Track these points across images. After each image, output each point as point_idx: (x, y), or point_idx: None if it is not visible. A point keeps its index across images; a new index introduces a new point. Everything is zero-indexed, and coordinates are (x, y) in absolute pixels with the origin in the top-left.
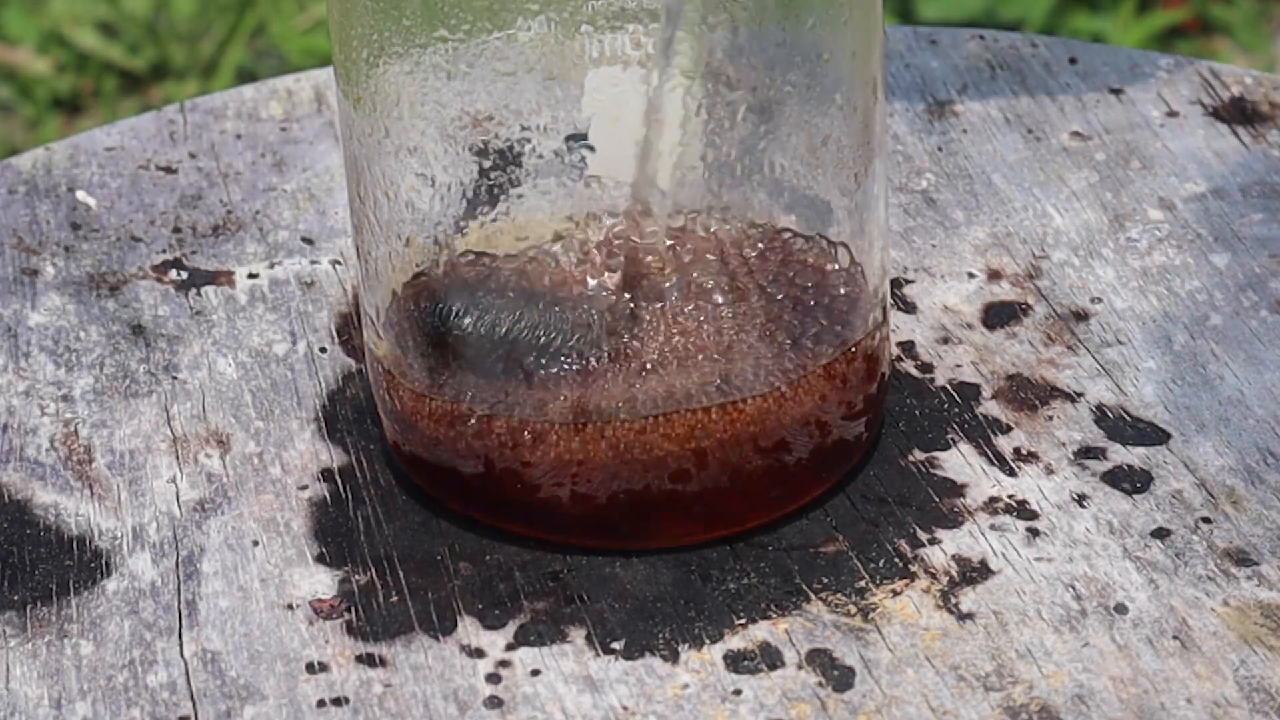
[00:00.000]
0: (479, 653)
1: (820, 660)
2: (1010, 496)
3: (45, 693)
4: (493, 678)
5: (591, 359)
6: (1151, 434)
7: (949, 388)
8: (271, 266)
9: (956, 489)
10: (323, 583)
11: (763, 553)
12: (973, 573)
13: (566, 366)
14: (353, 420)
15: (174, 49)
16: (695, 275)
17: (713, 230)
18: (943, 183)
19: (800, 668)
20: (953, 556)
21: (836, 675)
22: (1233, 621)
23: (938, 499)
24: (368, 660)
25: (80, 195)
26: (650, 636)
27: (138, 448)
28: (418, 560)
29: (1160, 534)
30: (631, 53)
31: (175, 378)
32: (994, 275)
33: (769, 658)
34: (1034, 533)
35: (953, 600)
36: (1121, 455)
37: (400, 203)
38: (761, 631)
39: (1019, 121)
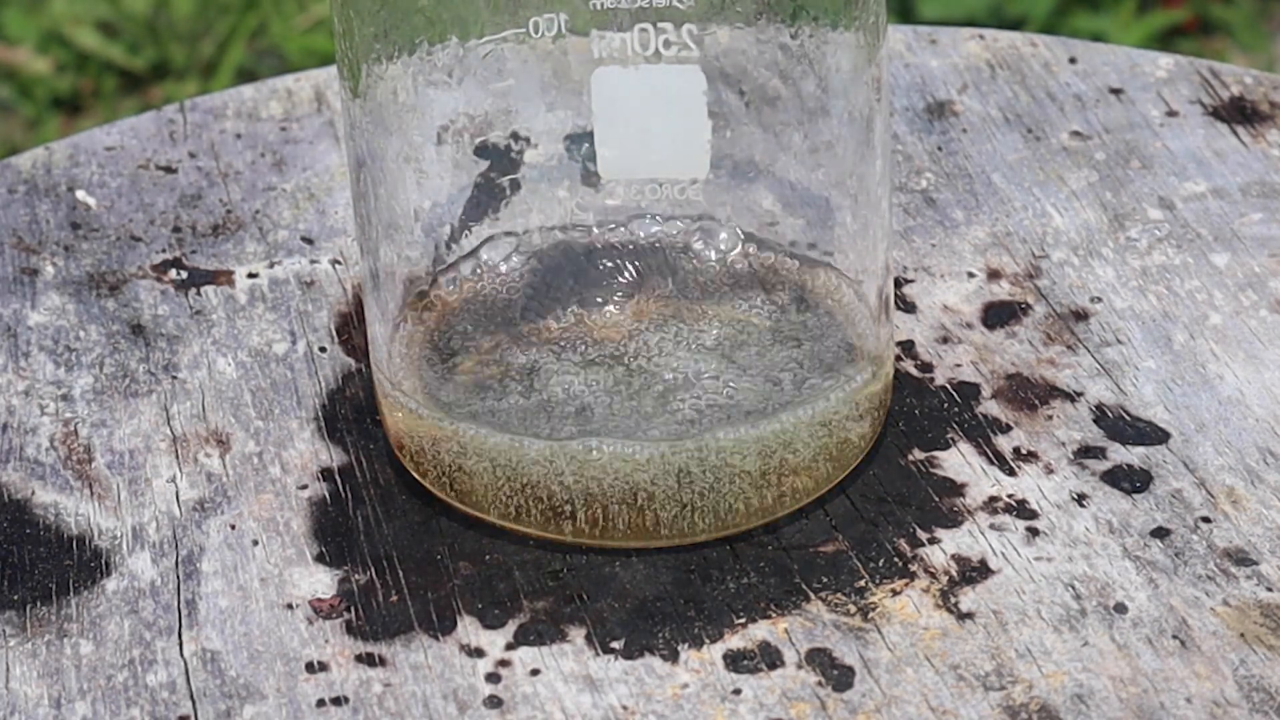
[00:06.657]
0: (479, 652)
1: (820, 660)
2: (1010, 496)
3: (45, 692)
4: (492, 677)
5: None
6: (1151, 434)
7: (949, 387)
8: (271, 266)
9: (956, 488)
10: (322, 582)
11: (763, 553)
12: (972, 572)
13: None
14: (353, 420)
15: (174, 49)
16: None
17: (713, 229)
18: (942, 182)
19: (800, 667)
20: (952, 556)
21: (836, 675)
22: (1232, 621)
23: (937, 498)
24: (367, 660)
25: (80, 195)
26: (650, 636)
27: (137, 447)
28: (418, 560)
29: (1160, 534)
30: (638, 50)
31: (175, 377)
32: (994, 275)
33: (769, 657)
34: (1034, 532)
35: (952, 600)
36: (1121, 455)
37: (402, 200)
38: (761, 631)
39: (1019, 121)
